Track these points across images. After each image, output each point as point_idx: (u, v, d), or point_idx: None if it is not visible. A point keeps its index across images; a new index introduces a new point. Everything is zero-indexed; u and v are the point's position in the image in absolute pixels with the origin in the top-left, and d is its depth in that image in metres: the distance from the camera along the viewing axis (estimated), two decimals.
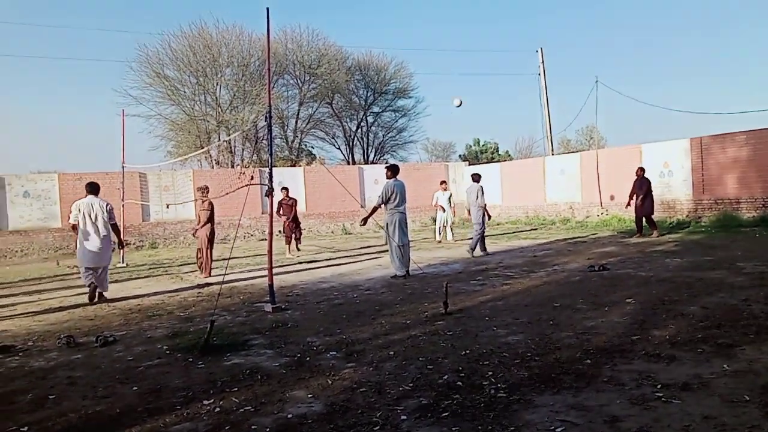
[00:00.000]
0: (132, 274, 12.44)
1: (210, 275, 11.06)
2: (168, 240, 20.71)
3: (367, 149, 36.67)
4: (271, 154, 8.15)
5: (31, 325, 7.28)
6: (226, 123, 28.59)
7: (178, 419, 3.75)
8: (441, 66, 70.76)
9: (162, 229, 20.84)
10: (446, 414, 3.57)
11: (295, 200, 14.87)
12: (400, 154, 38.03)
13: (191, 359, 5.24)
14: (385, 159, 36.22)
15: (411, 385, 4.16)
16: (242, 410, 3.85)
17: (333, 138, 36.52)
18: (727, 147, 16.52)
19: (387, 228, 10.04)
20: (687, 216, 17.43)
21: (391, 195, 9.95)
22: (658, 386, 3.81)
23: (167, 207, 19.94)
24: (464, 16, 75.61)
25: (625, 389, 3.80)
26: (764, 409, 3.33)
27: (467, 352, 4.95)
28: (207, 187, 11.68)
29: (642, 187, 14.31)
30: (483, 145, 43.60)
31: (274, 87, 29.69)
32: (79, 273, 11.91)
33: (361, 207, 21.48)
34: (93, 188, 8.95)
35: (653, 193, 14.65)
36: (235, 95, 29.60)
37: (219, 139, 28.47)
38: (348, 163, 34.54)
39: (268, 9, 7.71)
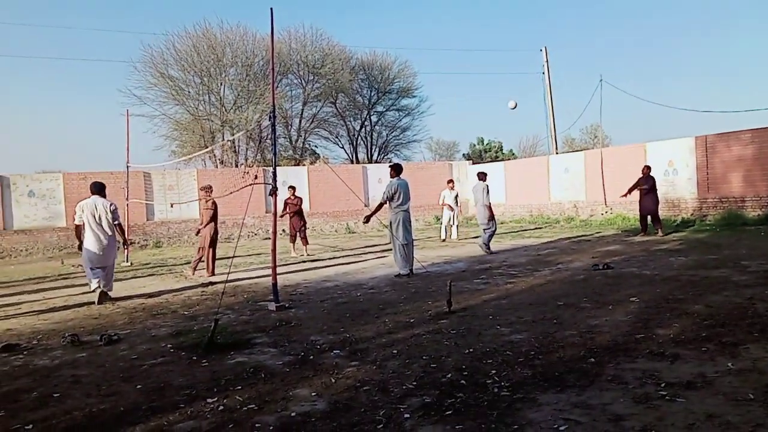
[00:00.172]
0: (136, 273, 12.47)
1: (213, 274, 11.08)
2: (172, 239, 20.76)
3: (371, 148, 36.71)
4: (275, 154, 8.15)
5: (36, 324, 7.30)
6: (230, 123, 28.65)
7: (181, 417, 3.76)
8: (445, 65, 70.70)
9: (166, 228, 20.89)
10: (450, 412, 3.56)
11: (301, 199, 14.87)
12: (404, 153, 38.11)
13: (195, 357, 5.25)
14: (388, 158, 36.24)
15: (414, 383, 4.16)
16: (246, 408, 3.85)
17: (337, 137, 36.62)
18: (732, 145, 16.47)
19: (391, 227, 10.04)
20: (692, 214, 17.38)
21: (395, 194, 9.95)
22: (662, 385, 3.80)
23: (171, 206, 19.98)
24: (468, 14, 75.55)
25: (629, 388, 3.79)
26: None
27: (471, 350, 4.94)
28: (210, 187, 11.71)
29: (647, 185, 14.26)
30: (487, 144, 43.58)
31: (278, 87, 29.72)
32: (82, 272, 11.98)
33: (365, 206, 21.48)
34: (97, 188, 8.92)
35: (658, 192, 14.61)
36: (239, 95, 29.66)
37: (223, 139, 28.54)
38: (352, 163, 34.56)
39: (272, 9, 7.72)
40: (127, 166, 16.35)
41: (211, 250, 11.23)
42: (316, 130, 35.08)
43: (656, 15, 69.31)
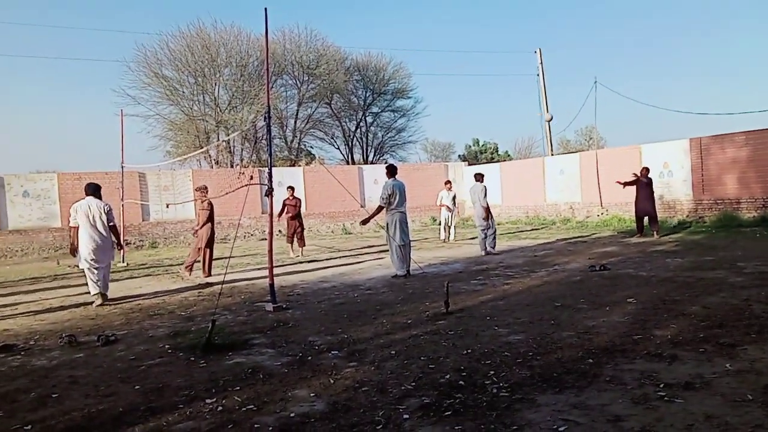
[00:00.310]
0: (132, 274, 12.44)
1: (210, 275, 11.06)
2: (168, 239, 20.70)
3: (367, 149, 36.71)
4: (270, 154, 8.15)
5: (33, 325, 7.28)
6: (225, 123, 28.60)
7: (180, 418, 3.75)
8: (440, 66, 70.79)
9: (162, 229, 20.83)
10: (448, 413, 3.57)
11: (299, 200, 14.85)
12: (400, 154, 38.14)
13: (193, 358, 5.24)
14: (384, 159, 36.26)
15: (413, 384, 4.16)
16: (245, 409, 3.85)
17: (332, 138, 36.61)
18: (726, 147, 16.55)
19: (387, 228, 10.04)
20: (687, 216, 17.45)
21: (391, 195, 9.94)
22: (661, 386, 3.81)
23: (167, 207, 19.94)
24: (463, 16, 75.67)
25: (628, 389, 3.81)
26: (767, 409, 3.33)
27: (469, 351, 4.95)
28: (206, 187, 11.68)
29: (646, 186, 14.26)
30: (482, 146, 43.63)
31: (272, 87, 29.69)
32: (79, 273, 11.93)
33: (361, 207, 21.47)
34: (92, 189, 8.81)
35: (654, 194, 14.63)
36: (233, 95, 29.61)
37: (218, 139, 28.48)
38: (347, 163, 34.56)
39: (266, 9, 7.70)
40: (122, 167, 16.31)
41: (207, 250, 11.21)
42: (311, 130, 35.08)
43: (651, 16, 69.62)
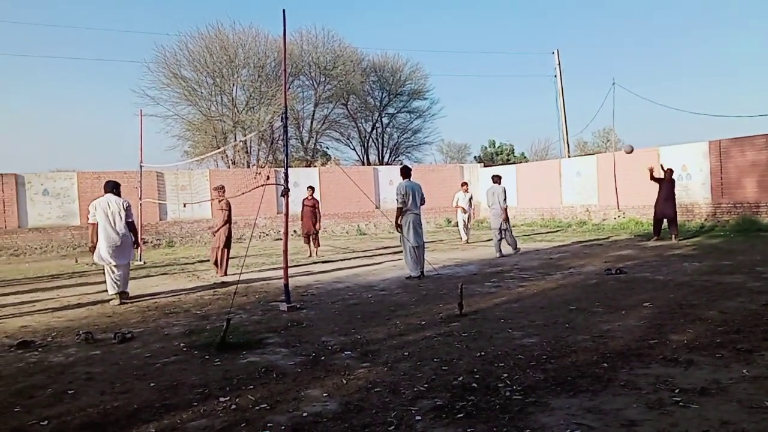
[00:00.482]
0: (149, 272, 12.55)
1: (226, 274, 11.13)
2: (185, 239, 20.87)
3: (382, 150, 36.73)
4: (286, 155, 8.18)
5: (51, 321, 7.38)
6: (242, 123, 28.78)
7: (194, 416, 3.78)
8: (456, 67, 70.64)
9: (179, 228, 21.02)
10: (461, 415, 3.56)
11: (317, 200, 14.91)
12: (415, 155, 38.09)
13: (207, 357, 5.28)
14: (399, 160, 36.25)
15: (426, 385, 4.16)
16: (258, 408, 3.87)
17: (348, 139, 36.68)
18: (746, 150, 16.32)
19: (401, 229, 10.03)
20: (705, 220, 17.24)
21: (404, 195, 9.93)
22: (676, 391, 3.78)
23: (184, 206, 20.12)
24: (480, 16, 75.45)
25: (642, 393, 3.77)
26: None
27: (482, 353, 4.94)
28: (223, 187, 11.77)
29: (668, 187, 14.08)
30: (498, 147, 43.50)
31: (289, 88, 29.83)
32: (96, 270, 12.07)
33: (376, 207, 21.51)
34: (111, 187, 8.85)
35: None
36: (251, 96, 29.79)
37: (235, 140, 28.66)
38: (363, 164, 34.60)
39: (284, 11, 7.74)
40: (141, 166, 16.48)
41: (225, 250, 11.28)
42: (327, 131, 35.18)
43: (671, 17, 68.89)
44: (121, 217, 8.66)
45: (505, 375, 4.30)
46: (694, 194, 17.66)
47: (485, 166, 30.05)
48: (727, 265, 9.56)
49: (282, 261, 7.88)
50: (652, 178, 14.38)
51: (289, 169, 8.14)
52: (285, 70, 8.31)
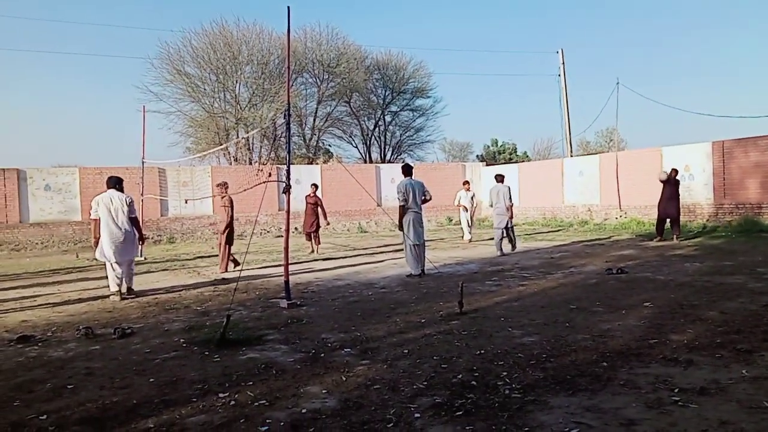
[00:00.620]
0: (150, 268, 12.57)
1: (226, 270, 11.15)
2: (186, 235, 20.89)
3: (385, 148, 36.72)
4: (289, 152, 8.18)
5: (51, 316, 7.39)
6: (244, 120, 28.78)
7: (193, 411, 3.79)
8: (460, 65, 70.57)
9: (180, 224, 21.04)
10: (460, 413, 3.56)
11: (319, 198, 14.91)
12: (417, 153, 38.08)
13: (207, 353, 5.29)
14: (402, 158, 36.25)
15: (425, 383, 4.16)
16: (257, 404, 3.87)
17: (350, 136, 36.70)
18: (749, 151, 16.28)
19: (402, 227, 10.02)
20: (708, 220, 17.21)
21: (405, 193, 9.91)
22: (676, 390, 3.77)
23: (185, 202, 20.14)
24: (484, 15, 75.35)
25: (642, 393, 3.77)
26: None
27: (482, 351, 4.93)
28: (226, 184, 11.79)
29: (672, 188, 14.02)
30: (501, 146, 43.44)
31: (293, 85, 29.81)
32: (96, 265, 12.08)
33: (378, 205, 21.50)
34: (113, 182, 8.81)
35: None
36: (254, 93, 29.79)
37: (237, 136, 28.67)
38: (365, 162, 34.59)
39: (288, 8, 7.74)
40: (143, 162, 16.48)
41: (227, 246, 11.30)
42: (330, 129, 35.17)
43: (675, 17, 68.74)
44: (123, 213, 8.60)
45: (505, 373, 4.30)
46: (697, 195, 17.62)
47: (487, 165, 30.03)
48: (728, 265, 9.55)
49: (283, 258, 7.89)
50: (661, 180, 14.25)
51: (291, 166, 8.14)
52: (288, 67, 8.30)
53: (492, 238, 13.88)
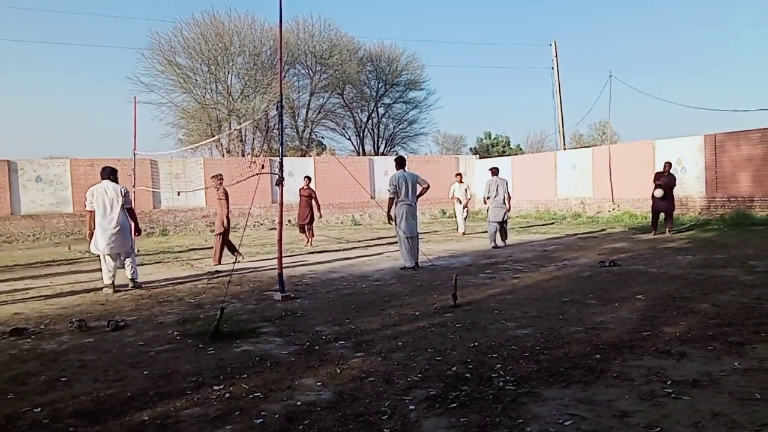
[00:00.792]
0: (143, 260, 12.50)
1: (220, 263, 11.14)
2: (178, 227, 20.82)
3: (378, 140, 36.67)
4: (281, 144, 8.14)
5: (44, 309, 7.35)
6: (237, 112, 28.65)
7: (188, 404, 3.78)
8: (453, 58, 70.45)
9: (173, 217, 20.95)
10: (454, 405, 3.57)
11: (313, 190, 14.87)
12: (411, 146, 38.07)
13: (201, 345, 5.28)
14: (395, 151, 36.22)
15: (419, 375, 4.17)
16: (251, 396, 3.87)
17: (343, 129, 36.61)
18: (741, 144, 16.38)
19: (395, 220, 10.02)
20: (700, 213, 17.32)
21: (397, 186, 9.91)
22: (668, 382, 3.80)
23: (178, 194, 20.05)
24: (478, 6, 75.16)
25: (635, 385, 3.79)
26: None
27: (476, 344, 4.95)
28: (221, 176, 11.78)
29: (667, 182, 14.01)
30: (494, 139, 43.44)
31: (285, 77, 29.68)
32: (89, 257, 12.03)
33: (371, 198, 21.48)
34: (108, 173, 8.68)
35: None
36: (246, 84, 29.64)
37: (230, 128, 28.54)
38: (358, 154, 34.54)
39: None
40: (134, 154, 16.30)
41: (220, 238, 11.28)
42: (322, 121, 35.08)
43: (667, 11, 68.82)
44: (118, 204, 8.46)
45: (499, 365, 4.31)
46: (689, 188, 17.72)
47: (481, 157, 30.05)
48: (720, 258, 9.61)
49: (276, 250, 7.87)
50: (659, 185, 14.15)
51: (284, 158, 8.11)
52: (281, 58, 8.26)
53: (486, 231, 13.90)
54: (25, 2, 46.91)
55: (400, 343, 5.08)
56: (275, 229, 8.56)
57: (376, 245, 14.30)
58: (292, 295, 7.55)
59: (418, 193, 10.16)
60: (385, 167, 24.16)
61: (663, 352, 4.48)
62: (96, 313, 6.99)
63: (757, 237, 12.62)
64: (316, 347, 5.09)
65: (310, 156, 28.85)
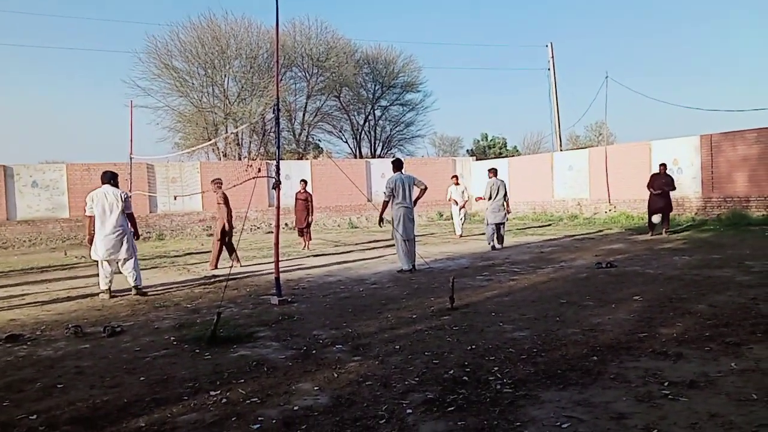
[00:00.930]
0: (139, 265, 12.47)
1: (216, 267, 11.12)
2: (175, 231, 20.78)
3: (375, 143, 36.68)
4: (278, 147, 8.14)
5: (40, 315, 7.32)
6: (233, 115, 28.64)
7: (184, 409, 3.77)
8: (449, 60, 70.52)
9: (169, 221, 20.92)
10: (452, 408, 3.57)
11: (309, 194, 14.86)
12: (408, 148, 38.09)
13: (198, 350, 5.26)
14: (392, 153, 36.23)
15: (417, 379, 4.16)
16: (248, 402, 3.86)
17: (340, 131, 36.61)
18: (737, 145, 16.42)
19: (392, 222, 10.02)
20: (696, 214, 17.35)
21: (394, 189, 9.91)
22: (665, 384, 3.80)
23: (174, 199, 20.02)
24: (474, 7, 75.29)
25: (632, 386, 3.79)
26: None
27: (473, 347, 4.95)
28: (219, 180, 11.79)
29: (663, 184, 14.01)
30: (491, 140, 43.47)
31: (282, 79, 29.67)
32: (85, 263, 12.00)
33: (368, 201, 21.48)
34: (108, 177, 8.55)
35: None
36: (242, 87, 29.64)
37: (226, 132, 28.52)
38: (355, 157, 34.54)
39: (277, 1, 7.69)
40: (131, 158, 16.33)
41: (218, 243, 11.26)
42: (319, 123, 35.08)
43: (663, 12, 69.00)
44: (118, 209, 8.38)
45: (496, 368, 4.31)
46: (685, 188, 17.74)
47: (478, 159, 30.08)
48: (716, 259, 9.63)
49: (273, 254, 7.86)
50: (655, 189, 14.15)
51: (280, 161, 8.10)
52: (277, 61, 8.24)
53: (483, 233, 13.90)
54: (21, 6, 46.88)
55: (398, 347, 5.08)
56: (272, 232, 8.54)
57: (373, 248, 14.29)
58: (289, 299, 7.54)
59: (416, 194, 10.17)
60: (382, 170, 24.16)
61: (660, 354, 4.48)
62: (92, 318, 6.97)
63: (753, 237, 12.65)
64: (313, 351, 5.08)
65: (307, 159, 28.85)
